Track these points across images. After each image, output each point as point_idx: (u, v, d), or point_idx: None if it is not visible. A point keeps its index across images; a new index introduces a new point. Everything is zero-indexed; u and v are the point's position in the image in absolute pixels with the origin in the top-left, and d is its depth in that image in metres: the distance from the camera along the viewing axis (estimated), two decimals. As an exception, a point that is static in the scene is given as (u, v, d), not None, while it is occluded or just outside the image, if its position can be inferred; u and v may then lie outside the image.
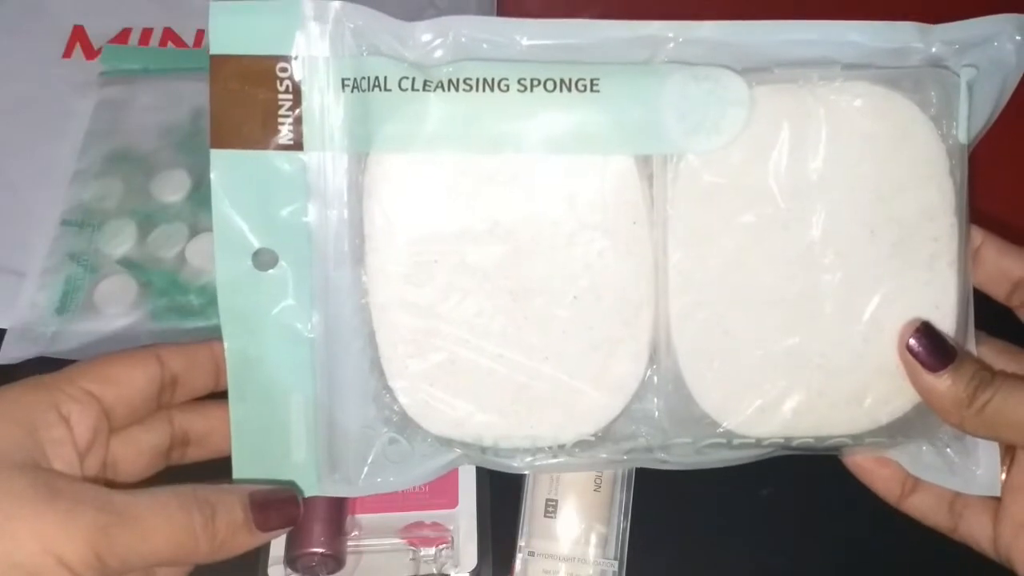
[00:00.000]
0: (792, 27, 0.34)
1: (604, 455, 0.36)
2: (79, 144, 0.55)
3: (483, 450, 0.36)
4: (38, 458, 0.28)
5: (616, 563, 0.41)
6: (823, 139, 0.34)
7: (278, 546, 0.41)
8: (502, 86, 0.33)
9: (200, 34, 0.60)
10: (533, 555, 0.41)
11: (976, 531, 0.36)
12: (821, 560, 0.44)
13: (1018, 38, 0.34)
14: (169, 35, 0.60)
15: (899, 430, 0.36)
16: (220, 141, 0.34)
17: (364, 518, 0.43)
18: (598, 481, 0.42)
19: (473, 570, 0.42)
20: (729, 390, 0.35)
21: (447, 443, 0.36)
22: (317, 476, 0.36)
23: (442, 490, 0.43)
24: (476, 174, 0.34)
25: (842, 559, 0.44)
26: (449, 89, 0.33)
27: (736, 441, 0.36)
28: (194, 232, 0.52)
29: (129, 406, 0.32)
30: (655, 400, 0.36)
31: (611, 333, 0.35)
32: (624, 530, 0.42)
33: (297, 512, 0.33)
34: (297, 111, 0.34)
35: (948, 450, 0.36)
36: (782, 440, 0.36)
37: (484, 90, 0.33)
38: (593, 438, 0.36)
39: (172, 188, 0.53)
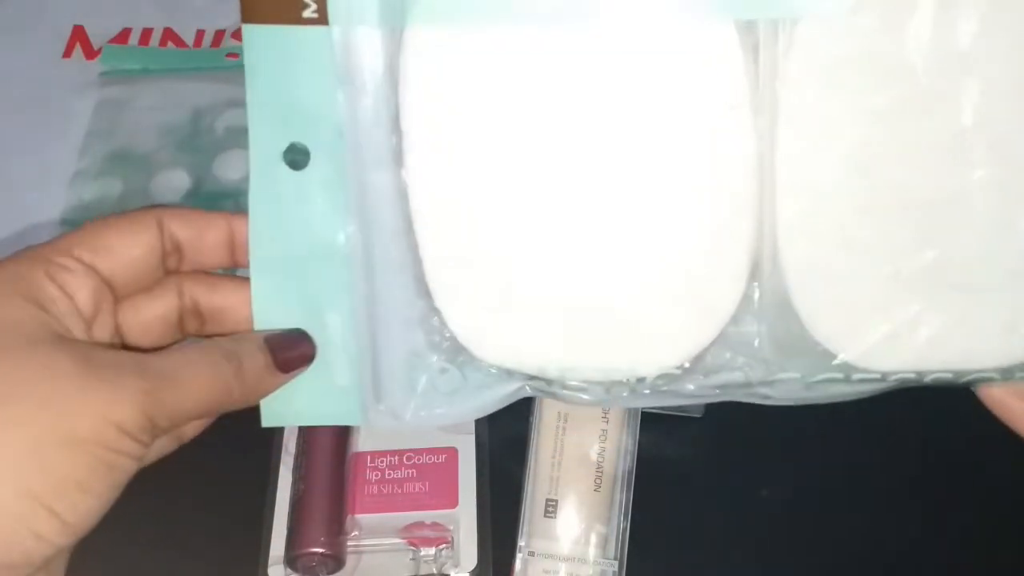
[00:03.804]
0: None
1: (692, 387, 0.31)
2: (79, 144, 0.55)
3: (548, 382, 0.31)
4: (61, 331, 0.28)
5: (616, 563, 0.41)
6: None
7: (278, 546, 0.41)
8: None
9: (200, 34, 0.60)
10: (533, 555, 0.41)
11: None
12: (821, 560, 0.44)
13: None
14: (169, 35, 0.60)
15: None
16: (251, 13, 0.29)
17: (364, 518, 0.43)
18: (598, 481, 0.42)
19: (473, 570, 0.42)
20: (849, 315, 0.30)
21: (507, 373, 0.31)
22: (361, 404, 0.32)
23: (442, 490, 0.43)
24: (537, 50, 0.29)
25: (842, 559, 0.44)
26: None
27: (856, 376, 0.30)
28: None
29: (131, 273, 0.30)
30: (756, 325, 0.31)
31: (702, 243, 0.30)
32: (624, 530, 0.42)
33: (312, 350, 0.31)
34: None
35: None
36: (913, 375, 0.30)
37: None
38: (679, 370, 0.30)
39: (172, 188, 0.53)
